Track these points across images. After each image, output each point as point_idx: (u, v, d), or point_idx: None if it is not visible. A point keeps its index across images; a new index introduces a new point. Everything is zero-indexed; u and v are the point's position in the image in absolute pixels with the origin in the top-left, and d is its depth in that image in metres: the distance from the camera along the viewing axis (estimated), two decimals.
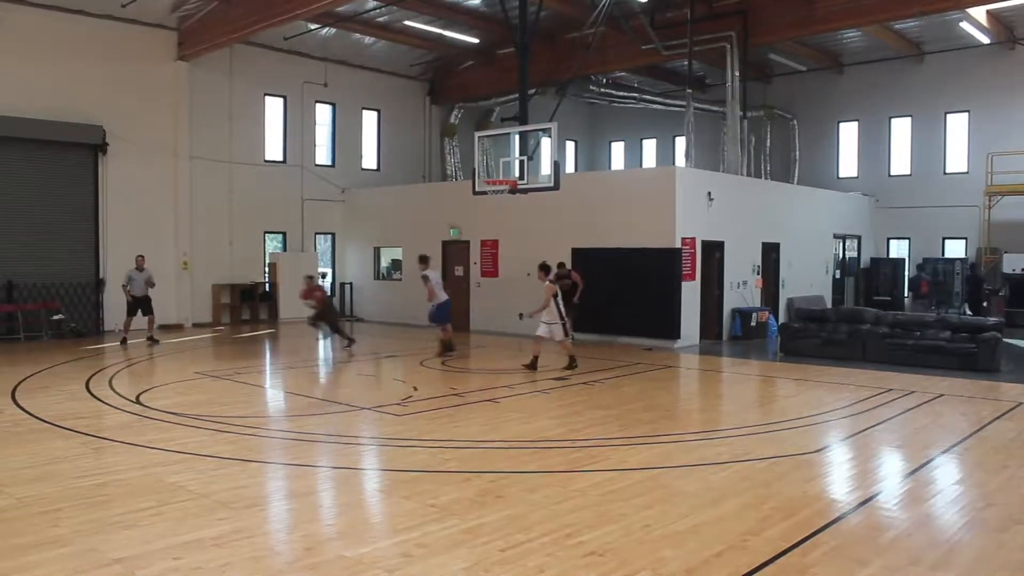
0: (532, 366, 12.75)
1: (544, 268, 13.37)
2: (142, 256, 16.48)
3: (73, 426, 8.65)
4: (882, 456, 8.06)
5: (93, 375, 12.22)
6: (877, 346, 14.20)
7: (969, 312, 18.13)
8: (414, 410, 9.73)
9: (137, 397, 10.37)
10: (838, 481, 7.11)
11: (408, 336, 18.10)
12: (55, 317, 17.09)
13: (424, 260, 15.18)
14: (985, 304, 19.33)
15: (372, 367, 14.02)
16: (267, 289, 21.29)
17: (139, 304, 16.27)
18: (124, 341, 16.00)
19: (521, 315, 15.67)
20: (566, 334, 13.07)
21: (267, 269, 21.49)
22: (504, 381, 11.94)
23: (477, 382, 12.05)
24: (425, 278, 14.67)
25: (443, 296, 14.69)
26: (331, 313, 15.83)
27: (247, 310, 20.99)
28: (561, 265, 16.06)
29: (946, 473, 7.27)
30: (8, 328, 16.69)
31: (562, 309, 12.92)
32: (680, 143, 24.71)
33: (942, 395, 10.90)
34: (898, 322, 14.55)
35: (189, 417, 9.15)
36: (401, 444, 8.07)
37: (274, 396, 11.38)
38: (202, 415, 9.28)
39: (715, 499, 6.18)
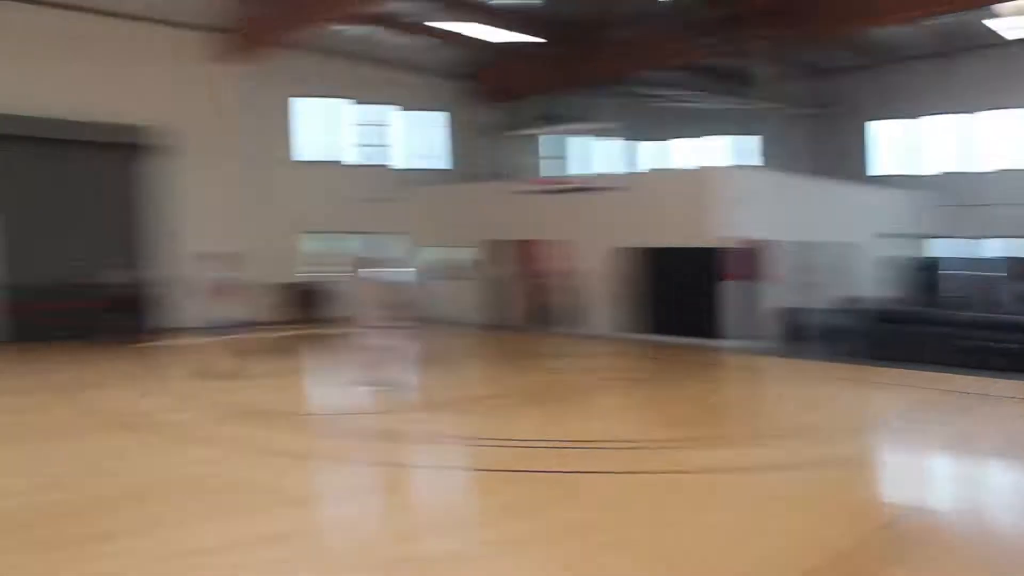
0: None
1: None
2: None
3: (138, 422, 8.83)
4: (946, 461, 7.83)
5: (157, 372, 12.46)
6: (941, 347, 13.75)
7: None
8: (484, 408, 9.80)
9: (204, 393, 10.53)
10: (898, 487, 6.93)
11: (458, 336, 18.14)
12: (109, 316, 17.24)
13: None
14: None
15: (442, 367, 14.02)
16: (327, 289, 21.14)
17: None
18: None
19: None
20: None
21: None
22: (565, 380, 11.90)
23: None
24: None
25: None
26: None
27: (306, 310, 20.96)
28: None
29: (1015, 480, 7.02)
30: (64, 325, 16.47)
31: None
32: (733, 142, 24.36)
33: (1013, 397, 10.55)
34: (965, 323, 14.11)
35: (262, 414, 9.26)
36: (473, 443, 8.10)
37: (347, 393, 10.90)
38: (273, 411, 9.40)
39: (773, 503, 6.09)
